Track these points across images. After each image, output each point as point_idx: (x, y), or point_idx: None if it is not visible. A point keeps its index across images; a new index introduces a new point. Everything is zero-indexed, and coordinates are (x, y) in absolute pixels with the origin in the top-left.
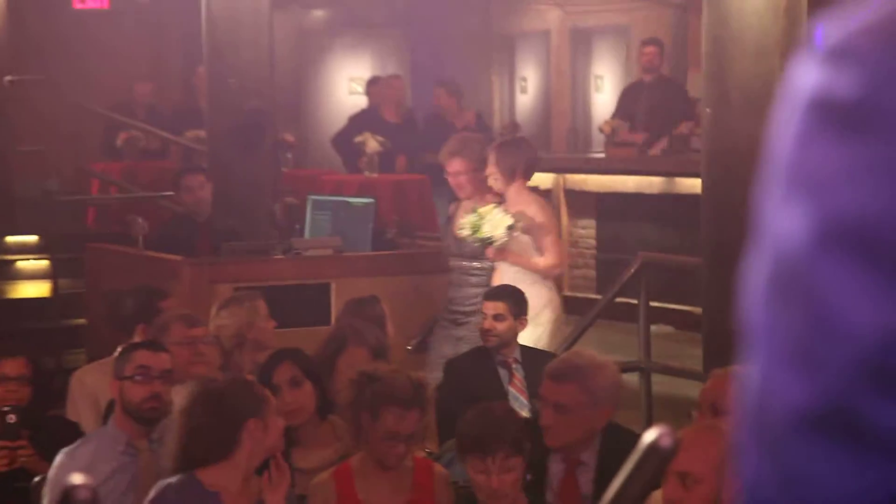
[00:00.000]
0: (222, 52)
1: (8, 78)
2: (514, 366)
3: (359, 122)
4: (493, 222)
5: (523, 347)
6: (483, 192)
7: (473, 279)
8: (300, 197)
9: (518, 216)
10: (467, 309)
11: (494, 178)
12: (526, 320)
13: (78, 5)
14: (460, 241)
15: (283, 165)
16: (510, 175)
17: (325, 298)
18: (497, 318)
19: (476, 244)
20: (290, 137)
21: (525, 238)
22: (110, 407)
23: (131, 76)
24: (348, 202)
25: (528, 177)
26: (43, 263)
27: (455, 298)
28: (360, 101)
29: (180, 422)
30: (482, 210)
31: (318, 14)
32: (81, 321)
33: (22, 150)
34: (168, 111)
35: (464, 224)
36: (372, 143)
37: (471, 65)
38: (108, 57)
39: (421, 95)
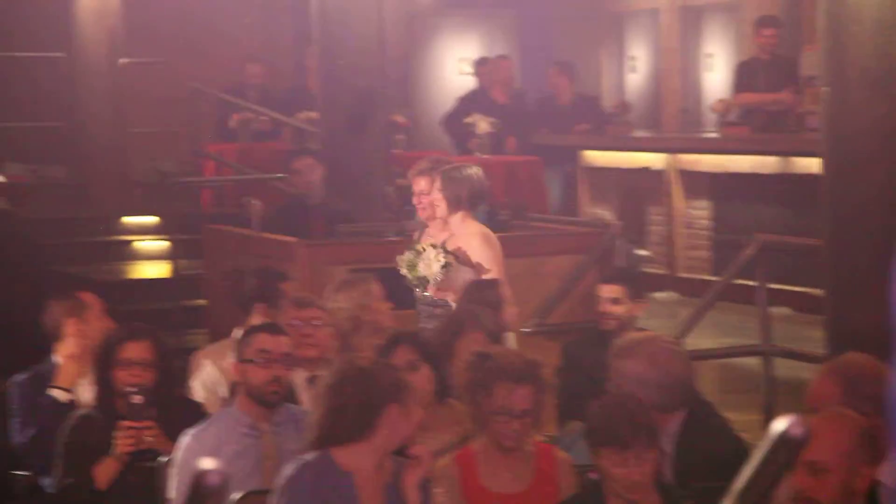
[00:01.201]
0: (333, 33)
1: (123, 60)
2: None
3: (468, 103)
4: (427, 261)
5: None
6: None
7: (438, 311)
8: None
9: (457, 252)
10: None
11: (438, 206)
12: (645, 303)
13: None
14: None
15: (393, 147)
16: (455, 203)
17: None
18: (614, 301)
19: (413, 283)
20: (400, 119)
21: (468, 273)
22: (233, 388)
23: (243, 57)
24: None
25: (474, 206)
26: (162, 244)
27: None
28: (470, 83)
29: (324, 398)
30: (419, 247)
31: None
32: (201, 302)
33: (137, 132)
34: (280, 92)
35: (401, 261)
36: (482, 125)
37: (579, 44)
38: (221, 38)
39: (530, 76)
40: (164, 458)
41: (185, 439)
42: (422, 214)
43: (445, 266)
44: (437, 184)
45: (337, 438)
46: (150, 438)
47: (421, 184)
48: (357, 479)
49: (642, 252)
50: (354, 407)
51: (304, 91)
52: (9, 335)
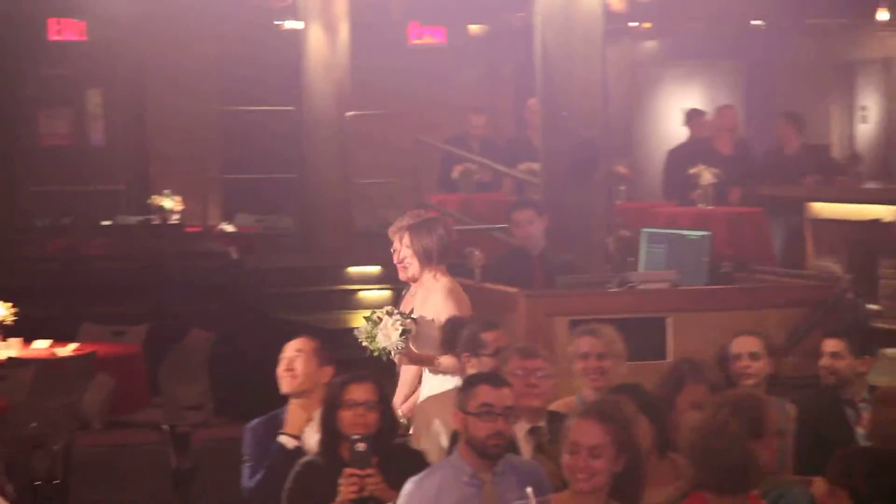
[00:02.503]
0: (555, 84)
1: (349, 113)
2: (860, 405)
3: (688, 153)
4: (385, 330)
5: (871, 387)
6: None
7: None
8: (633, 229)
9: (419, 318)
10: None
11: (409, 263)
12: (871, 359)
13: (415, 41)
14: None
15: (615, 198)
16: (426, 258)
17: (661, 333)
18: (834, 355)
19: (374, 353)
20: (623, 169)
21: (435, 333)
22: (454, 437)
23: (466, 109)
24: (683, 235)
25: (444, 259)
26: (385, 293)
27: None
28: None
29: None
30: (375, 316)
31: (650, 46)
32: None
33: (363, 183)
34: (501, 143)
35: (359, 333)
36: (706, 175)
37: (807, 95)
38: (444, 91)
39: (755, 126)
40: None
41: (408, 486)
42: (402, 276)
43: (405, 333)
44: (405, 240)
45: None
46: (372, 486)
47: (396, 241)
48: None
49: (872, 306)
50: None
51: (525, 142)
52: (243, 381)
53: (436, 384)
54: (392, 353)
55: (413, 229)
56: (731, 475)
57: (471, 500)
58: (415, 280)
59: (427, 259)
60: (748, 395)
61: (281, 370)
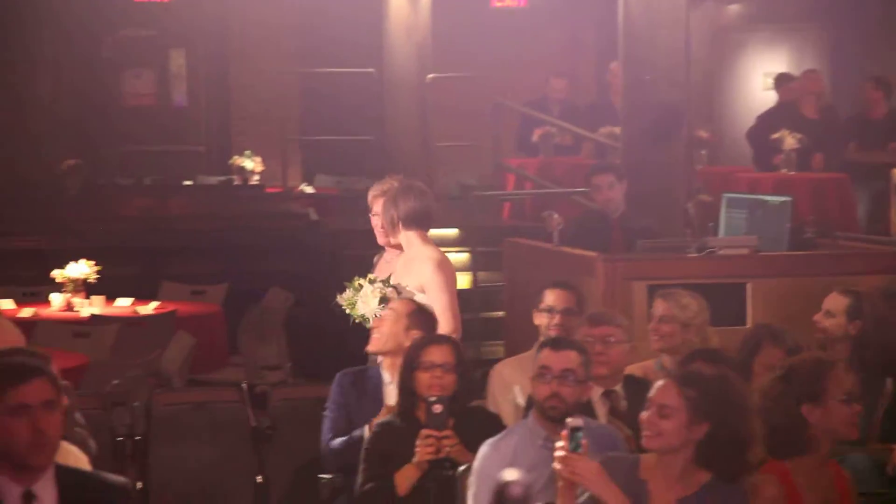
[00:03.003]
0: (638, 47)
1: (430, 76)
2: None
3: (774, 118)
4: (365, 298)
5: None
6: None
7: None
8: (714, 195)
9: (398, 286)
10: None
11: (378, 230)
12: None
13: (496, 3)
14: None
15: (696, 163)
16: (391, 225)
17: (741, 298)
18: None
19: (356, 321)
20: (704, 134)
21: (422, 298)
22: (531, 400)
23: (547, 72)
24: (764, 200)
25: (419, 226)
26: (462, 256)
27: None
28: (775, 97)
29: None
30: (356, 283)
31: (734, 9)
32: (499, 314)
33: (442, 146)
34: (582, 107)
35: (341, 300)
36: (789, 140)
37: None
38: (525, 53)
39: (840, 91)
40: (462, 468)
41: (484, 449)
42: (380, 240)
43: (383, 301)
44: (377, 206)
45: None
46: (448, 448)
47: (377, 205)
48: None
49: None
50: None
51: (606, 106)
52: (320, 342)
53: None
54: (370, 320)
55: (396, 192)
56: (778, 438)
57: (545, 464)
58: (392, 244)
59: (392, 226)
60: (808, 358)
61: (372, 327)
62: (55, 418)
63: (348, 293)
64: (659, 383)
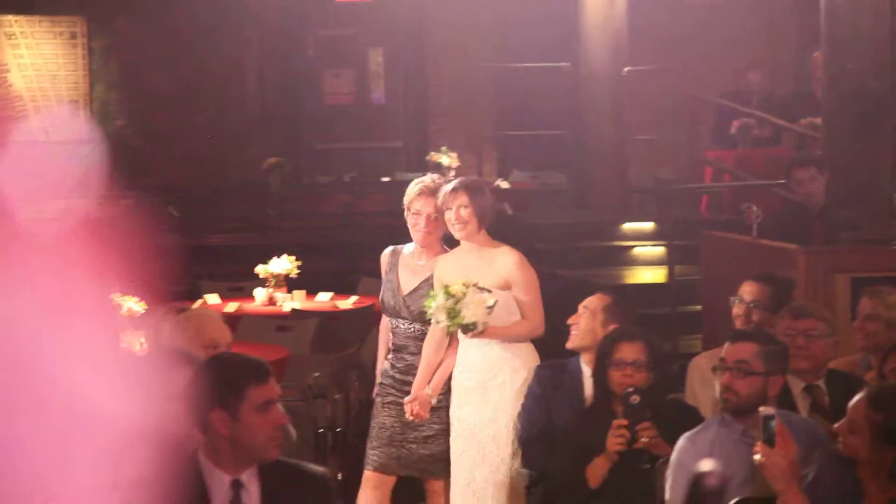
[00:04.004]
0: (840, 35)
1: (626, 69)
2: None
3: None
4: (474, 305)
5: None
6: (436, 242)
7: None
8: None
9: (496, 292)
10: None
11: (466, 223)
12: None
13: None
14: (407, 298)
15: None
16: (481, 220)
17: None
18: None
19: (451, 330)
20: None
21: (502, 295)
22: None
23: (744, 64)
24: None
25: (491, 223)
26: (659, 250)
27: (402, 367)
28: None
29: None
30: (452, 290)
31: None
32: (697, 307)
33: (638, 139)
34: (782, 98)
35: (434, 310)
36: None
37: None
38: (721, 45)
39: None
40: (660, 461)
41: (682, 441)
42: (420, 240)
43: (492, 306)
44: (462, 199)
45: None
46: (645, 438)
47: (417, 203)
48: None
49: None
50: None
51: (806, 96)
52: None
53: (475, 350)
54: (479, 327)
55: (471, 188)
56: None
57: (743, 458)
58: (426, 243)
59: (482, 220)
60: None
61: (569, 321)
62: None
63: (443, 302)
64: (856, 398)
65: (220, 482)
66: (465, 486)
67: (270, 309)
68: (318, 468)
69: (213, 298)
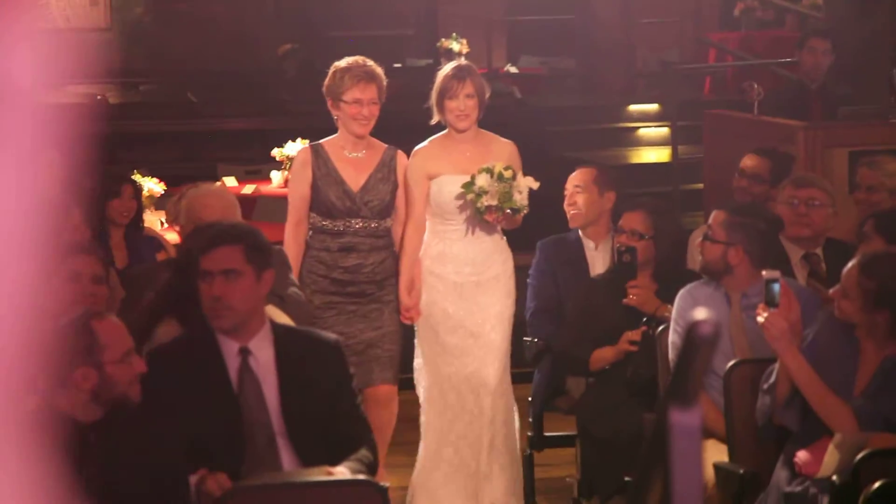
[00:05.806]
0: None
1: None
2: None
3: None
4: (522, 188)
5: None
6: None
7: (381, 241)
8: None
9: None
10: (378, 278)
11: (471, 112)
12: None
13: None
14: (362, 194)
15: None
16: (482, 109)
17: None
18: None
19: (481, 212)
20: None
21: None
22: None
23: None
24: None
25: None
26: (663, 131)
27: (360, 266)
28: None
29: None
30: (502, 171)
31: None
32: (699, 185)
33: (644, 23)
34: None
35: (481, 190)
36: None
37: None
38: None
39: None
40: (661, 327)
41: (681, 293)
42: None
43: (535, 189)
44: (469, 88)
45: None
46: (633, 296)
47: (358, 91)
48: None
49: None
50: None
51: None
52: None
53: (471, 245)
54: (525, 210)
55: (475, 75)
56: None
57: (723, 318)
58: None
59: (483, 109)
60: None
61: (566, 206)
62: (236, 286)
63: (499, 186)
64: (849, 265)
65: (229, 349)
66: (461, 380)
67: (286, 191)
68: (329, 334)
69: (230, 181)
